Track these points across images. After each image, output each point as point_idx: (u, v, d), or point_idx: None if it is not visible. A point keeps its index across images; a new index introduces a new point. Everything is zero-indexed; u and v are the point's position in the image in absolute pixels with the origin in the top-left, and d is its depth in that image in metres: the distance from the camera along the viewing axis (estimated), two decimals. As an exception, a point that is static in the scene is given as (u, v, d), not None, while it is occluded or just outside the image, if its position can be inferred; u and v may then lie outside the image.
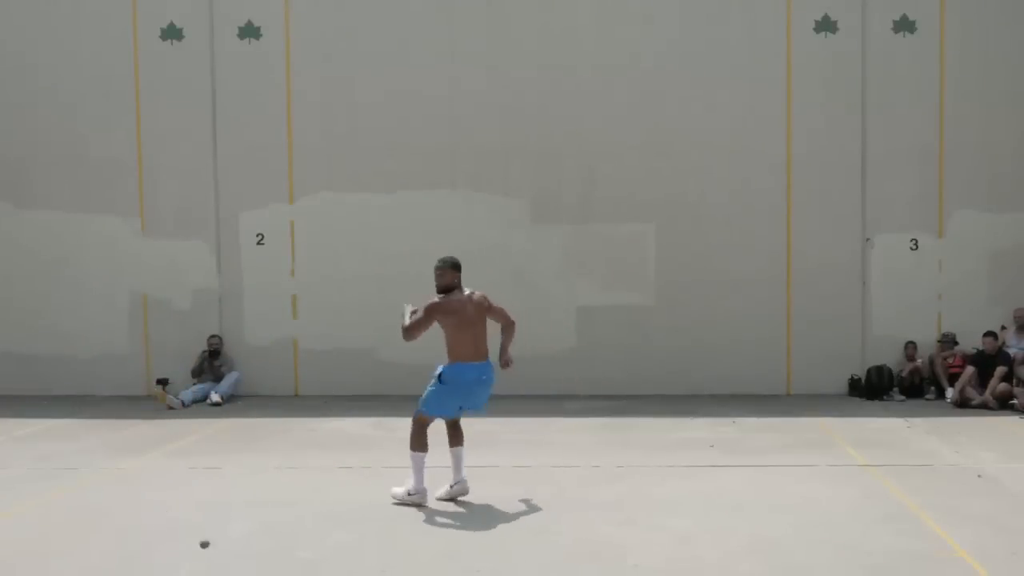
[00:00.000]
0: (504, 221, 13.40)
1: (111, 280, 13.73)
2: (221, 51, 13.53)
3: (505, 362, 7.50)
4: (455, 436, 7.60)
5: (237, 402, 12.99)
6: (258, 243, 13.61)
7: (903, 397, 12.71)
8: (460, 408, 7.49)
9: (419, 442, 7.33)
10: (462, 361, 7.31)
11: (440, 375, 7.30)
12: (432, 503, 7.41)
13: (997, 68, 13.03)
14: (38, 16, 13.70)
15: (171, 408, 12.44)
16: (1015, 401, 11.78)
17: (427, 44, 13.35)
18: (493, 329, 7.67)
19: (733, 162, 13.18)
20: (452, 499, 7.50)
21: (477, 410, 7.56)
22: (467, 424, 7.74)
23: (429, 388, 7.35)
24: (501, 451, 9.47)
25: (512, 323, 7.68)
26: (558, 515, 7.10)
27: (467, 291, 7.48)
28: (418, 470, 7.28)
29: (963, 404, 12.00)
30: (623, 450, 9.54)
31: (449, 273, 7.46)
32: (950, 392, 12.36)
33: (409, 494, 7.29)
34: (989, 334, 12.36)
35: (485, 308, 7.48)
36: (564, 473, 8.56)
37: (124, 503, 7.76)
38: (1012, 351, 12.38)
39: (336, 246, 13.51)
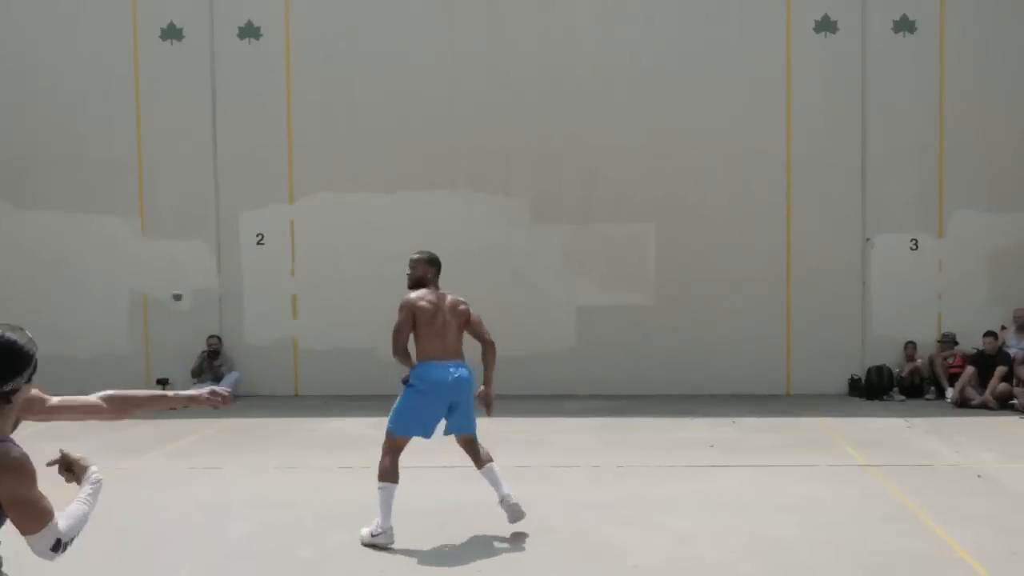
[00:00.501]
0: (504, 221, 13.39)
1: (111, 280, 13.73)
2: (221, 51, 13.53)
3: (487, 400, 6.73)
4: (476, 457, 6.74)
5: (237, 402, 12.84)
6: (258, 243, 13.61)
7: (903, 397, 12.71)
8: (439, 426, 6.63)
9: (388, 470, 6.41)
10: (429, 359, 6.56)
11: (406, 378, 6.61)
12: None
13: (997, 68, 13.02)
14: (38, 16, 13.69)
15: (171, 408, 12.42)
16: (1015, 401, 11.78)
17: (427, 44, 13.35)
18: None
19: (733, 162, 13.18)
20: (513, 517, 6.63)
21: (467, 431, 6.72)
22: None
23: (398, 399, 6.64)
24: (501, 451, 9.41)
25: (493, 345, 6.81)
26: (558, 515, 7.09)
27: (450, 295, 6.79)
28: (385, 505, 6.34)
29: (963, 404, 12.00)
30: (623, 450, 9.54)
31: (422, 266, 6.76)
32: (950, 392, 12.36)
33: (373, 534, 6.29)
34: (989, 334, 12.36)
35: (463, 315, 6.74)
36: (564, 473, 8.56)
37: (124, 503, 7.76)
38: (1012, 351, 12.37)
39: (336, 246, 13.51)
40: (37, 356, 3.17)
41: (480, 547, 6.44)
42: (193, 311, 13.67)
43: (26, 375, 3.12)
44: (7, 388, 3.07)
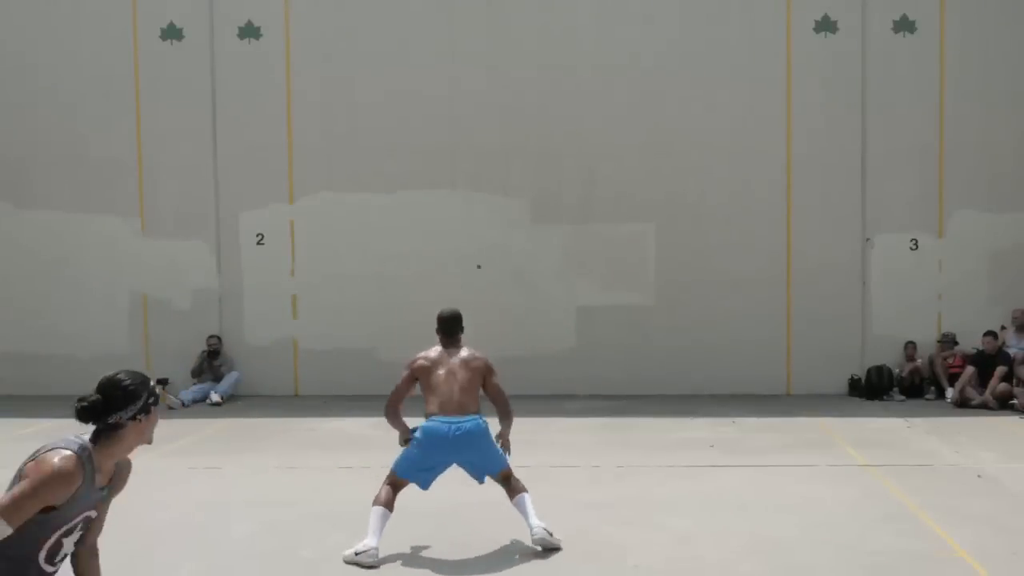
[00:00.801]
0: (504, 221, 13.39)
1: (111, 280, 13.73)
2: (221, 51, 13.54)
3: (503, 443, 6.54)
4: (509, 490, 6.49)
5: (237, 402, 12.98)
6: (258, 243, 13.61)
7: (903, 397, 12.71)
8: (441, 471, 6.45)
9: (382, 499, 6.27)
10: (433, 415, 6.33)
11: (414, 430, 6.38)
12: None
13: (997, 68, 13.02)
14: (38, 16, 13.69)
15: (171, 408, 12.44)
16: (1015, 401, 11.78)
17: (427, 44, 13.35)
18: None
19: (733, 162, 13.19)
20: (544, 547, 6.34)
21: (496, 471, 6.48)
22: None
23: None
24: (501, 451, 9.47)
25: (510, 413, 6.52)
26: (558, 515, 7.08)
27: (465, 351, 6.53)
28: (375, 523, 6.16)
29: (963, 404, 12.00)
30: (623, 450, 9.54)
31: (438, 331, 6.62)
32: (950, 392, 12.36)
33: (356, 553, 6.07)
34: (989, 334, 12.36)
35: (477, 370, 6.44)
36: (564, 473, 8.56)
37: (124, 503, 7.75)
38: (1012, 351, 12.38)
39: (336, 246, 13.51)
40: (150, 401, 3.52)
41: (480, 548, 6.43)
42: (193, 311, 13.67)
43: (130, 411, 3.46)
44: (111, 420, 3.43)
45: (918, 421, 11.07)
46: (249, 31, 13.52)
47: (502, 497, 6.54)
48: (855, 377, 13.10)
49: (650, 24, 13.23)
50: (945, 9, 13.03)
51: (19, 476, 3.30)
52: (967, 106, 13.02)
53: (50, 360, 13.68)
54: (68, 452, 3.33)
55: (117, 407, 3.44)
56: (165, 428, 11.55)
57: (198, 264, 13.69)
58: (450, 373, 6.41)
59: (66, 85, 13.65)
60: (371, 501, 6.33)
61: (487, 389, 6.50)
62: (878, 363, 13.03)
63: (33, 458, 3.32)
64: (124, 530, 6.89)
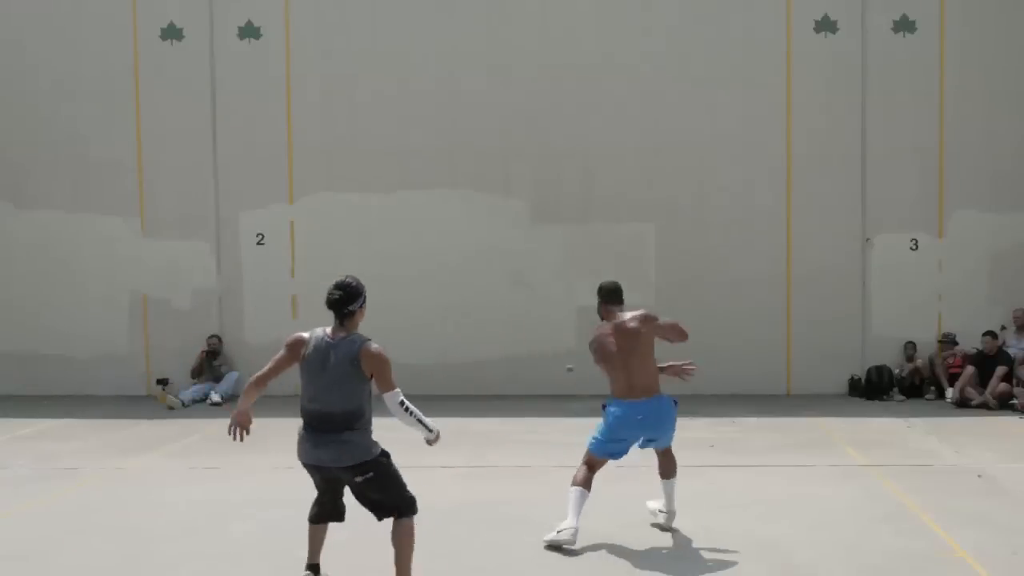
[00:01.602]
0: (504, 221, 13.39)
1: (111, 280, 13.72)
2: (221, 51, 13.53)
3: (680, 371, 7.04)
4: (664, 466, 6.87)
5: (237, 402, 12.95)
6: (258, 243, 13.61)
7: (903, 397, 12.71)
8: (641, 445, 6.76)
9: (579, 478, 6.55)
10: (617, 397, 6.70)
11: (604, 405, 6.75)
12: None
13: (997, 68, 13.02)
14: (39, 16, 13.69)
15: (171, 408, 12.44)
16: (1015, 401, 11.78)
17: (427, 44, 13.35)
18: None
19: (733, 162, 13.18)
20: (662, 526, 6.89)
21: (662, 447, 6.83)
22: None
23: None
24: (502, 451, 9.47)
25: (681, 334, 7.15)
26: (559, 515, 7.09)
27: (627, 315, 7.01)
28: (574, 506, 6.42)
29: (963, 404, 12.00)
30: (623, 450, 9.52)
31: (599, 303, 7.15)
32: (950, 392, 12.36)
33: (559, 531, 6.36)
34: (989, 334, 12.36)
35: (636, 333, 6.88)
36: (564, 473, 8.51)
37: (124, 503, 7.76)
38: (1012, 351, 12.38)
39: (336, 246, 13.50)
40: (365, 295, 5.55)
41: (480, 547, 6.44)
42: (193, 311, 13.67)
43: (359, 302, 5.50)
44: (349, 309, 5.47)
45: (918, 421, 11.07)
46: (249, 31, 13.52)
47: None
48: (855, 377, 13.10)
49: (650, 24, 13.22)
50: (945, 9, 13.03)
51: (355, 362, 5.47)
52: (967, 106, 13.02)
53: (50, 360, 13.67)
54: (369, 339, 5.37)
55: (352, 300, 5.41)
56: (165, 428, 11.60)
57: (198, 264, 13.69)
58: (620, 351, 6.94)
59: (66, 85, 13.64)
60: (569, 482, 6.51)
61: (658, 331, 7.21)
62: (878, 363, 13.03)
63: (354, 354, 5.46)
64: (124, 530, 6.90)
